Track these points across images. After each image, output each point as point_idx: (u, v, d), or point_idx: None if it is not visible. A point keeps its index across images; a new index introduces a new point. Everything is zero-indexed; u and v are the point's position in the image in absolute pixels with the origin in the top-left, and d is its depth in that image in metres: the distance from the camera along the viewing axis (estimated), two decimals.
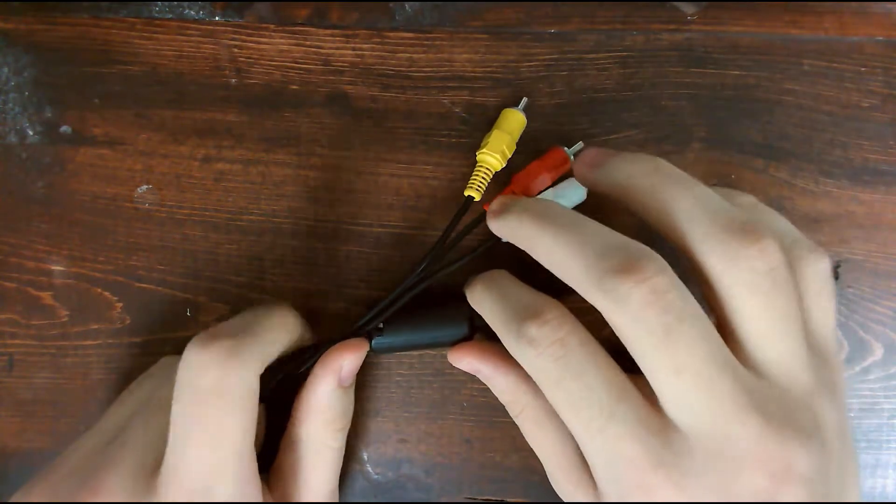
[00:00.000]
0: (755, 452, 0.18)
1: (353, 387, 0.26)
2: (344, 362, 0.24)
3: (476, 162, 0.26)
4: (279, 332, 0.24)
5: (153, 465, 0.22)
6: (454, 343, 0.25)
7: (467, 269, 0.26)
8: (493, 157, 0.26)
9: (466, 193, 0.26)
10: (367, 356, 0.25)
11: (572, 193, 0.26)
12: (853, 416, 0.28)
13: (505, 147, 0.26)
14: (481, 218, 0.25)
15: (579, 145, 0.26)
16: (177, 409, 0.21)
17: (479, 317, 0.24)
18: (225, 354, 0.21)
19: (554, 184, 0.26)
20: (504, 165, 0.26)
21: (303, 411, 0.25)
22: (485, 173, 0.26)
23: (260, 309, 0.25)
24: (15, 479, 0.28)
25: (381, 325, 0.25)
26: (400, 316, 0.25)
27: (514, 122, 0.26)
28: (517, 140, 0.26)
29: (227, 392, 0.21)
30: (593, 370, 0.20)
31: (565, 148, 0.26)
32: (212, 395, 0.21)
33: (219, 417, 0.21)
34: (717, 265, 0.20)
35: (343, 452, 0.26)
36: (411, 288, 0.25)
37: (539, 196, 0.26)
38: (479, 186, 0.26)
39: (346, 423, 0.25)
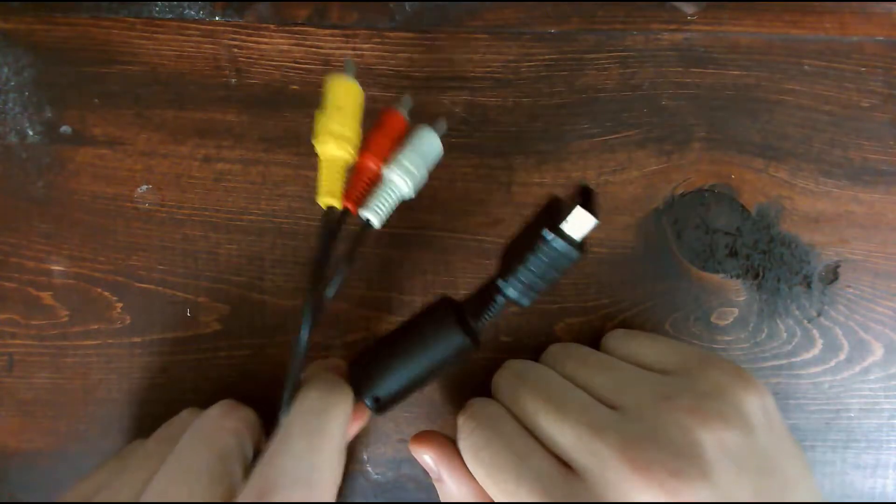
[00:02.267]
0: (626, 464, 0.19)
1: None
2: (350, 434, 0.24)
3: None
4: (340, 454, 0.22)
5: None
6: (463, 358, 0.23)
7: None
8: (343, 150, 0.21)
9: (325, 203, 0.22)
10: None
11: (428, 151, 0.23)
12: (853, 416, 0.28)
13: (352, 133, 0.21)
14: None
15: (408, 100, 0.24)
16: None
17: (471, 313, 0.23)
18: None
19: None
20: (354, 155, 0.22)
21: None
22: (336, 170, 0.22)
23: (317, 414, 0.22)
24: (15, 480, 0.28)
25: (376, 396, 0.23)
26: (383, 360, 0.23)
27: (344, 93, 0.22)
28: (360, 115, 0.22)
29: None
30: (499, 438, 0.22)
31: (398, 107, 0.24)
32: None
33: None
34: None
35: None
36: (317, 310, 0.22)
37: (395, 163, 0.23)
38: (334, 190, 0.22)
39: (339, 481, 0.24)
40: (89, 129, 0.27)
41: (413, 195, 0.24)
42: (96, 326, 0.27)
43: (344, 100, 0.22)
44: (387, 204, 0.23)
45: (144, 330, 0.28)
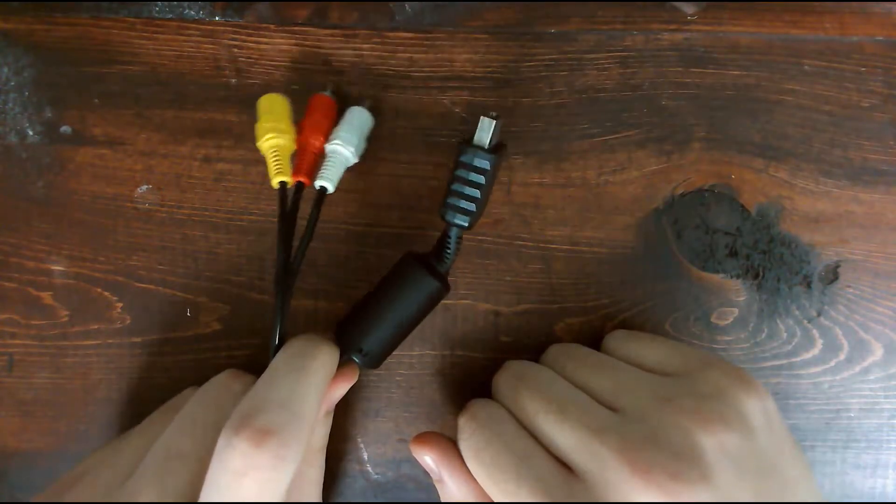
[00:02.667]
0: (627, 466, 0.19)
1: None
2: (337, 392, 0.25)
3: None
4: (321, 396, 0.22)
5: None
6: (437, 300, 0.25)
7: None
8: (279, 137, 0.25)
9: (277, 181, 0.25)
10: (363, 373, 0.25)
11: (360, 122, 0.26)
12: (853, 416, 0.28)
13: (282, 125, 0.25)
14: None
15: (330, 84, 0.27)
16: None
17: (435, 258, 0.25)
18: (272, 460, 0.19)
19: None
20: (292, 142, 0.25)
21: None
22: (280, 156, 0.25)
23: (301, 357, 0.22)
24: (15, 479, 0.28)
25: (360, 348, 0.24)
26: (363, 315, 0.24)
27: (274, 103, 0.26)
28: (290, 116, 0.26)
29: (266, 499, 0.20)
30: (499, 439, 0.22)
31: (324, 92, 0.26)
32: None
33: None
34: None
35: (323, 471, 0.26)
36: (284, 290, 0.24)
37: (333, 140, 0.25)
38: (282, 170, 0.25)
39: (325, 443, 0.25)
40: (89, 129, 0.27)
41: (355, 159, 0.26)
42: (96, 326, 0.27)
43: (271, 106, 0.25)
44: (334, 170, 0.25)
45: (144, 330, 0.28)
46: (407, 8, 0.27)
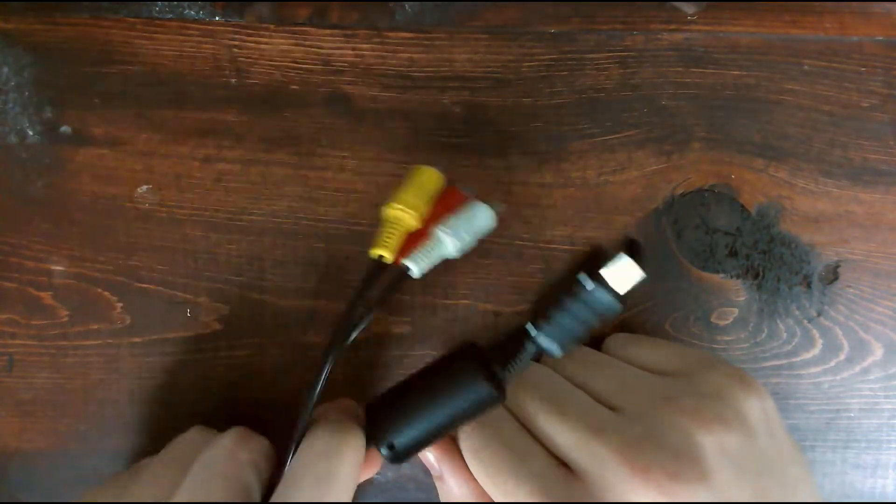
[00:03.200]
0: (625, 466, 0.19)
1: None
2: (361, 479, 0.23)
3: (385, 219, 0.24)
4: (348, 499, 0.21)
5: None
6: (487, 409, 0.22)
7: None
8: (407, 213, 0.24)
9: (377, 253, 0.23)
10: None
11: (478, 220, 0.24)
12: (853, 416, 0.28)
13: (421, 203, 0.24)
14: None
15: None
16: None
17: (498, 361, 0.23)
18: None
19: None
20: (419, 225, 0.24)
21: None
22: (396, 230, 0.24)
23: (325, 457, 0.21)
24: (15, 479, 0.28)
25: (391, 443, 0.22)
26: (400, 404, 0.22)
27: (429, 180, 0.25)
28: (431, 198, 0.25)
29: None
30: (499, 438, 0.22)
31: (463, 189, 0.25)
32: None
33: None
34: None
35: None
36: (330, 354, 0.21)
37: (444, 221, 0.23)
38: (388, 244, 0.23)
39: None
40: (89, 129, 0.27)
41: (456, 255, 0.24)
42: (96, 326, 0.27)
43: (427, 183, 0.24)
44: (427, 256, 0.23)
45: (144, 330, 0.28)
46: (407, 8, 0.27)
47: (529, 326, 0.22)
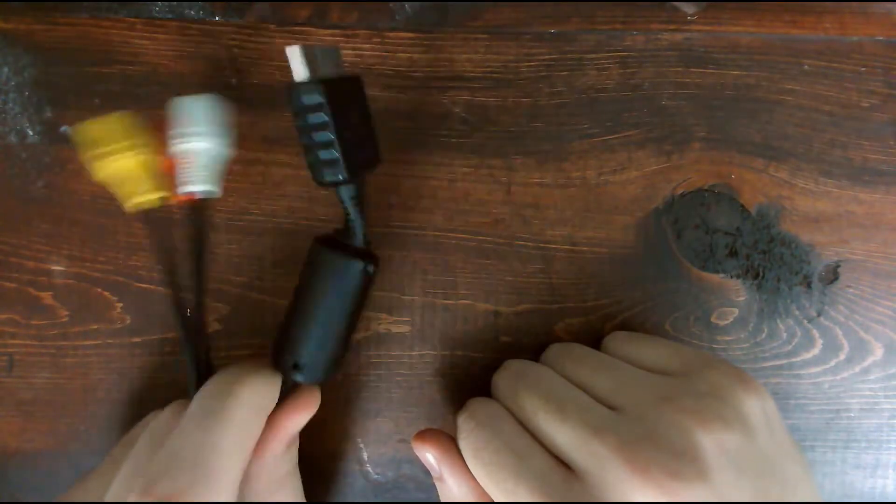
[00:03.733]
0: (624, 464, 0.19)
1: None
2: (291, 424, 0.23)
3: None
4: (247, 438, 0.21)
5: None
6: (367, 281, 0.21)
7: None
8: (121, 158, 0.22)
9: (151, 199, 0.22)
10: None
11: (197, 111, 0.22)
12: (853, 416, 0.28)
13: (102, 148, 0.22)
14: None
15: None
16: None
17: (343, 235, 0.21)
18: None
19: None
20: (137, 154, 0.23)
21: (252, 476, 0.22)
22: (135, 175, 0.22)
23: (213, 398, 0.21)
24: (15, 479, 0.28)
25: (295, 363, 0.21)
26: (288, 326, 0.21)
27: (94, 129, 0.23)
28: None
29: None
30: (498, 437, 0.22)
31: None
32: None
33: None
34: None
35: (299, 492, 0.25)
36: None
37: (176, 137, 0.21)
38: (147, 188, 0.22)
39: (294, 469, 0.24)
40: None
41: (224, 150, 0.23)
42: (96, 326, 0.27)
43: (97, 133, 0.22)
44: (201, 169, 0.22)
45: (144, 330, 0.28)
46: (407, 8, 0.27)
47: (316, 180, 0.20)
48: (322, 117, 0.19)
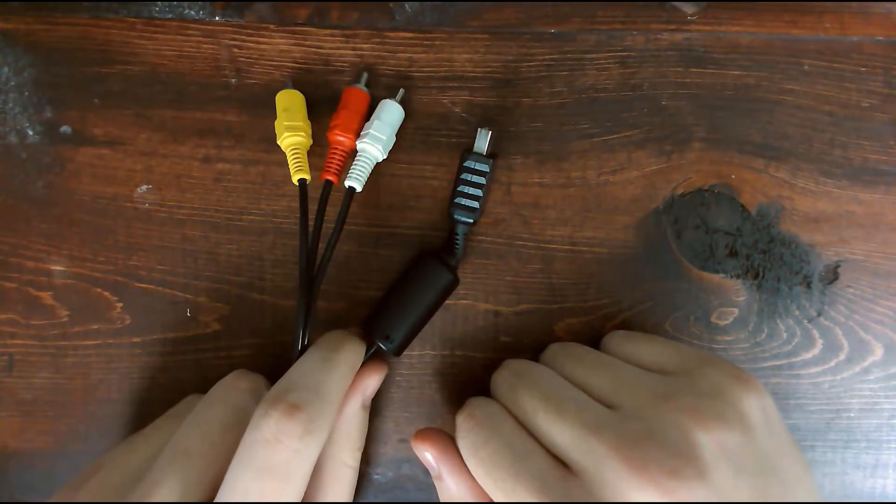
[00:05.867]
0: (621, 462, 0.19)
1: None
2: (370, 384, 0.25)
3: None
4: (347, 382, 0.24)
5: None
6: (450, 292, 0.27)
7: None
8: (298, 135, 0.26)
9: (298, 178, 0.26)
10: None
11: (391, 117, 0.26)
12: (853, 416, 0.28)
13: (292, 122, 0.26)
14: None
15: (364, 76, 0.27)
16: (238, 478, 0.21)
17: (446, 253, 0.27)
18: (301, 431, 0.21)
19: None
20: (308, 139, 0.26)
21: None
22: (300, 153, 0.26)
23: (328, 349, 0.24)
24: (15, 479, 0.28)
25: (387, 335, 0.26)
26: (387, 307, 0.26)
27: (287, 99, 0.26)
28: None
29: (295, 473, 0.21)
30: (497, 437, 0.22)
31: (357, 85, 0.27)
32: (279, 475, 0.20)
33: (280, 495, 0.21)
34: None
35: (358, 472, 0.26)
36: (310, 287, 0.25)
37: (365, 133, 0.26)
38: (302, 168, 0.26)
39: (363, 444, 0.26)
40: (89, 129, 0.27)
41: (384, 156, 0.26)
42: (96, 326, 0.27)
43: (288, 103, 0.26)
44: (363, 169, 0.26)
45: (144, 330, 0.28)
46: (407, 8, 0.27)
47: (451, 214, 0.26)
48: (481, 181, 0.26)
